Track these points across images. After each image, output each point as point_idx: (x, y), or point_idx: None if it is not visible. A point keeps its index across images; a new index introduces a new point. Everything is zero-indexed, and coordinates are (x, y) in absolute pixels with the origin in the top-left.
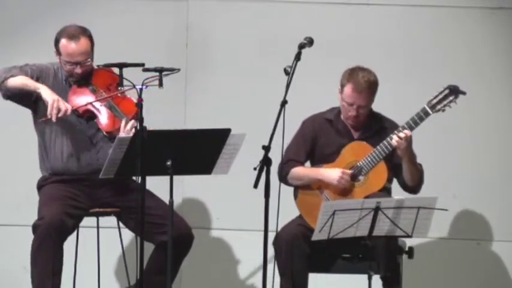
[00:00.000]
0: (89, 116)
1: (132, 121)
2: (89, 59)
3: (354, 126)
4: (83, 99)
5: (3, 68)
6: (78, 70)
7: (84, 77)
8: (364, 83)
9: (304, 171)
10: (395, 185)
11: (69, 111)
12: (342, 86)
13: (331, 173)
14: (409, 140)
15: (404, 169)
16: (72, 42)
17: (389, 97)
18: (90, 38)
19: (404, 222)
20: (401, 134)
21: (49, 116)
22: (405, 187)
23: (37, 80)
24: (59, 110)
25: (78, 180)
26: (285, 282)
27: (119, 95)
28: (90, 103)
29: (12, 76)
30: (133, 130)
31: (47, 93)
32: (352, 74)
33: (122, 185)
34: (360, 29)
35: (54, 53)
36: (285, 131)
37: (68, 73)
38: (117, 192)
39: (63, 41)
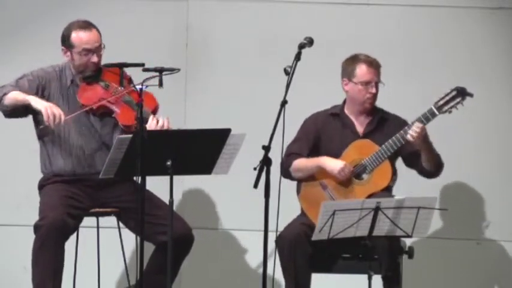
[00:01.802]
0: (104, 112)
1: (165, 119)
2: (102, 48)
3: (368, 110)
4: (95, 95)
5: None
6: (94, 59)
7: (95, 72)
8: (372, 60)
9: (306, 160)
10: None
11: (63, 117)
12: (351, 71)
13: (334, 163)
14: (424, 133)
15: (423, 159)
16: (86, 31)
17: (389, 97)
18: (97, 29)
19: (404, 222)
20: (416, 129)
21: (47, 124)
22: (426, 173)
23: (37, 88)
24: (54, 117)
25: (79, 180)
26: (287, 281)
27: (136, 88)
28: (105, 99)
29: (5, 94)
30: (165, 126)
31: (37, 103)
32: (355, 58)
33: (123, 185)
34: (360, 29)
35: (62, 51)
36: (285, 131)
37: (83, 66)
38: (118, 192)
39: (76, 33)
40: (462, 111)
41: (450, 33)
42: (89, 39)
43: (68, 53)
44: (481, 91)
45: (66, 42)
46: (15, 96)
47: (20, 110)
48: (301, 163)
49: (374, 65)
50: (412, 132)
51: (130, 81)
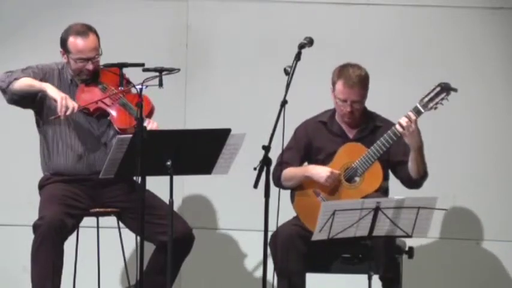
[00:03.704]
0: (100, 114)
1: (155, 123)
2: (99, 55)
3: (349, 123)
4: (92, 98)
5: (3, 73)
6: (89, 66)
7: (93, 75)
8: (355, 77)
9: (293, 169)
10: (392, 184)
11: (76, 109)
12: (334, 83)
13: (320, 171)
14: (415, 126)
15: (411, 159)
16: (82, 38)
17: (389, 97)
18: (96, 33)
19: (404, 222)
20: (405, 118)
21: (59, 114)
22: (409, 181)
23: (40, 81)
24: (67, 108)
25: (80, 180)
26: (281, 282)
27: (132, 91)
28: (101, 100)
29: (16, 79)
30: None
31: (53, 92)
32: (342, 71)
33: (124, 185)
34: (360, 29)
35: (60, 53)
36: (285, 131)
37: (78, 71)
38: (118, 192)
39: (72, 39)
40: (462, 111)
41: (450, 33)
42: (84, 48)
43: (65, 56)
44: (481, 91)
45: (63, 45)
46: (30, 83)
47: (28, 99)
48: (290, 172)
49: (352, 84)
50: (401, 121)
51: (128, 82)
